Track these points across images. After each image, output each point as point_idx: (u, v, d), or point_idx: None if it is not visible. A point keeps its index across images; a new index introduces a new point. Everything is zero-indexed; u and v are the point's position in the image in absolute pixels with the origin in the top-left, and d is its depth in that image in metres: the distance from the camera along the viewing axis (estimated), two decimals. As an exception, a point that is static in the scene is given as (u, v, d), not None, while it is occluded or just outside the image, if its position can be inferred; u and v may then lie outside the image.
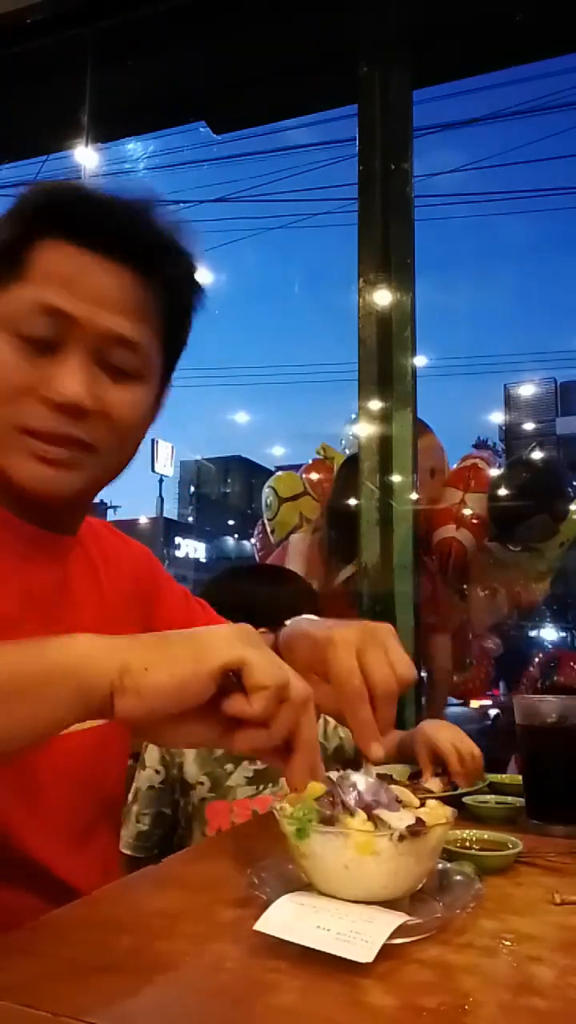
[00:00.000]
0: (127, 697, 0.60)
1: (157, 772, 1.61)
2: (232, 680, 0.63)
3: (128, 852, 1.60)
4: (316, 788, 0.70)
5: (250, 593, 1.63)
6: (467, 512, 3.52)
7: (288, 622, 0.98)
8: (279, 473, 4.28)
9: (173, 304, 0.88)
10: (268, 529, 4.03)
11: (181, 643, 0.64)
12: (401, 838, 0.66)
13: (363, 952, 0.58)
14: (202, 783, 1.57)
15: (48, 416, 0.80)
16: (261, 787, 1.59)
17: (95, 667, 0.61)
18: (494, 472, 3.77)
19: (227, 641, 0.63)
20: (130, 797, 1.62)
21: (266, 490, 4.09)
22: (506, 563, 3.70)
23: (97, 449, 0.84)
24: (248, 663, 0.62)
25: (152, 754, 1.63)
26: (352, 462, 2.98)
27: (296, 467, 4.26)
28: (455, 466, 3.73)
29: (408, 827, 0.67)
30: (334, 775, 0.75)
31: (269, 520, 4.01)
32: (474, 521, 3.55)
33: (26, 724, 0.61)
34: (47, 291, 0.79)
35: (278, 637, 0.96)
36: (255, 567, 3.01)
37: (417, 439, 2.47)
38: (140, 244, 0.84)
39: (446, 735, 1.19)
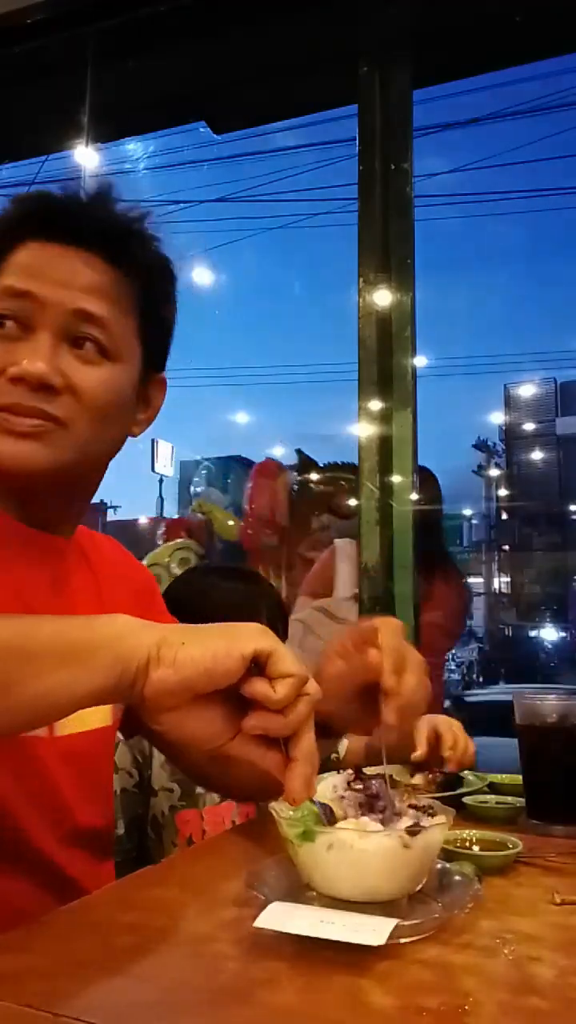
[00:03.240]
0: (162, 668, 0.63)
1: (130, 775, 1.54)
2: (255, 670, 0.65)
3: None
4: (307, 806, 0.70)
5: (229, 591, 1.61)
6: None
7: None
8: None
9: (146, 289, 0.92)
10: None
11: (216, 629, 0.67)
12: (400, 838, 0.66)
13: (373, 937, 0.58)
14: (171, 790, 1.52)
15: (14, 391, 0.84)
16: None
17: (135, 639, 0.64)
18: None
19: (258, 631, 0.67)
20: None
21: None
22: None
23: (67, 424, 0.86)
24: (276, 652, 0.65)
25: (124, 757, 1.56)
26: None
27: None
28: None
29: (407, 827, 0.67)
30: (331, 777, 0.75)
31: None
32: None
33: (68, 688, 0.63)
34: (14, 278, 0.86)
35: None
36: (224, 567, 2.98)
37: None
38: (102, 229, 0.89)
39: (445, 720, 1.27)
